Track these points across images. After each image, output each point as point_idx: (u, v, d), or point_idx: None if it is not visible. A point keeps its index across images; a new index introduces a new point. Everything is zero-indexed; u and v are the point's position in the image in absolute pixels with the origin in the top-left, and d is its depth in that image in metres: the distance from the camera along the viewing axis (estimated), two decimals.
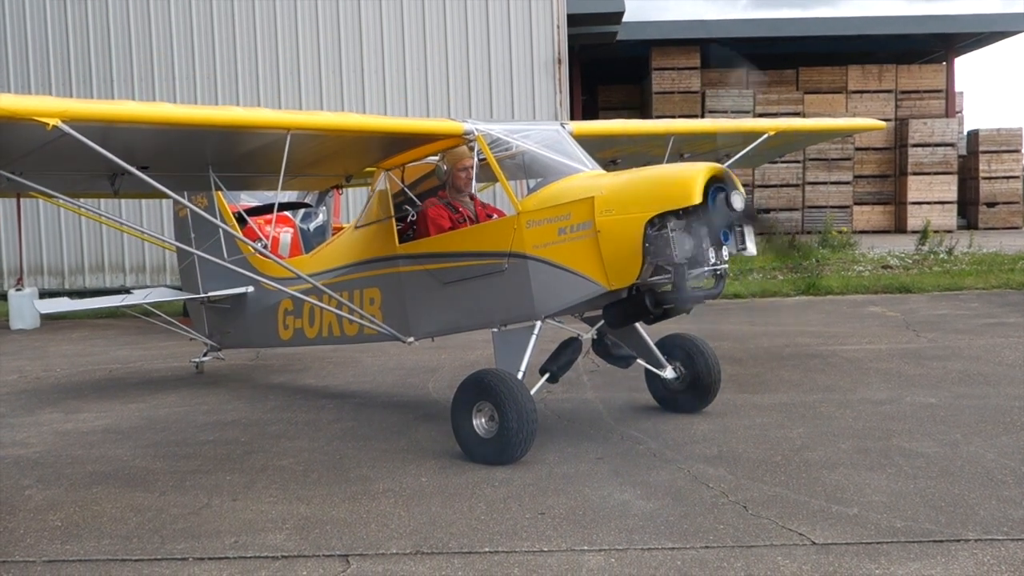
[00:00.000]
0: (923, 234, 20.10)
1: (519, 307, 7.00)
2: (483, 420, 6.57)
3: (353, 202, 17.29)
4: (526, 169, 7.62)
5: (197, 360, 10.64)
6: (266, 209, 11.86)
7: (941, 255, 18.68)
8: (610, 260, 6.48)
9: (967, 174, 27.82)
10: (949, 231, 23.77)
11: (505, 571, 4.71)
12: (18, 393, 10.10)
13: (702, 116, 25.48)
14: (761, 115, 25.20)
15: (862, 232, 25.57)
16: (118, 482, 6.52)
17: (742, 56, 26.18)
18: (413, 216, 7.62)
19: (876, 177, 27.33)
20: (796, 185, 26.67)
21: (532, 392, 6.62)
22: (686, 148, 9.85)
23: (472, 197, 7.77)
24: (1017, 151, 27.50)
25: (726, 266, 6.49)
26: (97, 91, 18.08)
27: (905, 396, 8.14)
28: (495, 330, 7.18)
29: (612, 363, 7.50)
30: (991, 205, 27.31)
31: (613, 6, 22.84)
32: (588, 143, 7.94)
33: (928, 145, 26.35)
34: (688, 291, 6.44)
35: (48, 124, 5.72)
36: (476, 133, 7.37)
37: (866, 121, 13.00)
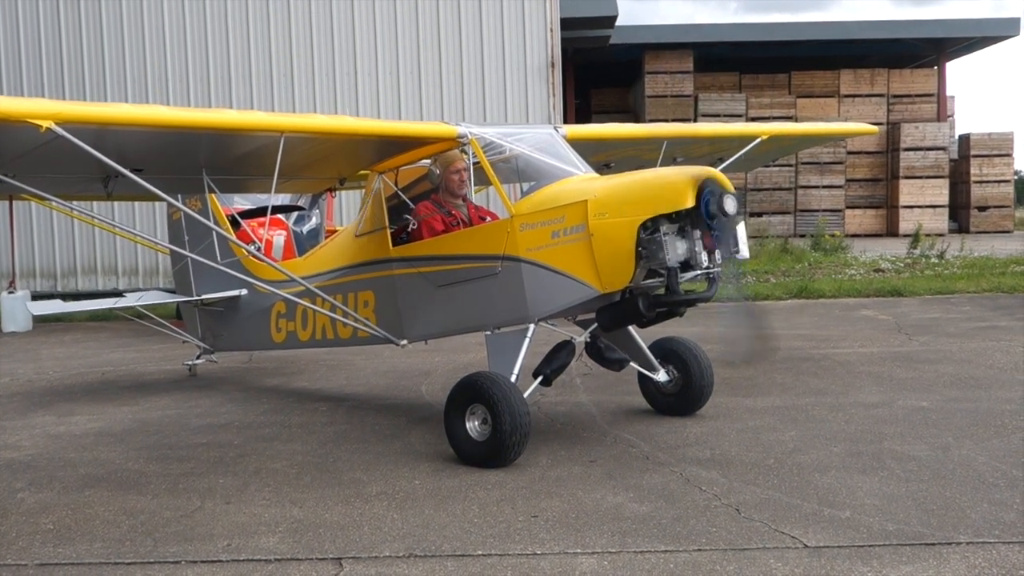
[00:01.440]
0: (915, 238, 20.16)
1: (512, 310, 7.00)
2: (476, 423, 6.57)
3: (346, 205, 17.28)
4: (520, 172, 7.62)
5: (190, 363, 10.62)
6: (259, 212, 11.85)
7: (933, 259, 18.74)
8: (603, 263, 6.49)
9: (958, 178, 27.93)
10: (941, 235, 23.87)
11: (498, 574, 4.72)
12: (10, 396, 10.06)
13: (695, 120, 25.55)
14: (754, 119, 25.29)
15: (854, 236, 25.64)
16: (110, 485, 6.50)
17: (735, 60, 26.24)
18: (414, 226, 7.59)
19: (868, 181, 27.42)
20: (788, 189, 26.75)
21: (525, 395, 6.62)
22: (679, 152, 9.86)
23: (465, 200, 7.77)
24: (1008, 155, 27.62)
25: (719, 269, 6.51)
26: (90, 94, 18.03)
27: (897, 399, 8.17)
28: (488, 333, 7.18)
29: (605, 366, 7.49)
30: (982, 209, 27.42)
31: (606, 10, 22.88)
32: (581, 147, 7.95)
33: (920, 149, 26.46)
34: (681, 294, 6.47)
35: (41, 126, 5.72)
36: (470, 136, 7.37)
37: (858, 125, 13.05)
